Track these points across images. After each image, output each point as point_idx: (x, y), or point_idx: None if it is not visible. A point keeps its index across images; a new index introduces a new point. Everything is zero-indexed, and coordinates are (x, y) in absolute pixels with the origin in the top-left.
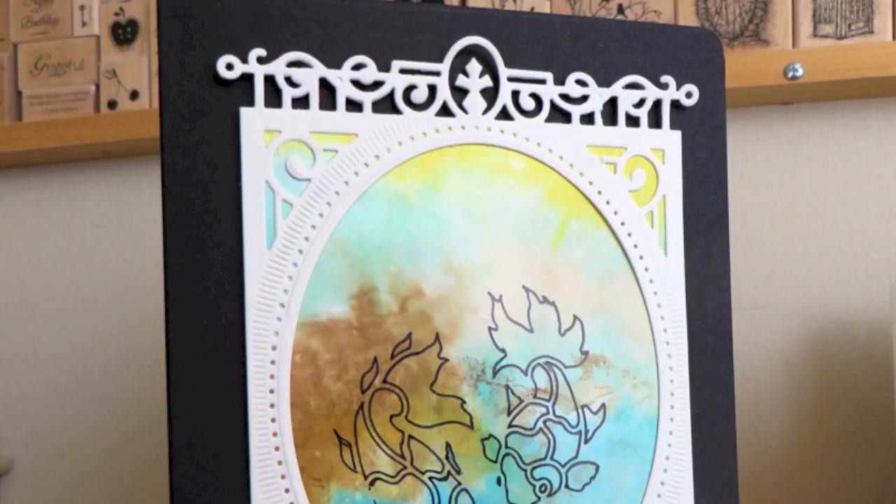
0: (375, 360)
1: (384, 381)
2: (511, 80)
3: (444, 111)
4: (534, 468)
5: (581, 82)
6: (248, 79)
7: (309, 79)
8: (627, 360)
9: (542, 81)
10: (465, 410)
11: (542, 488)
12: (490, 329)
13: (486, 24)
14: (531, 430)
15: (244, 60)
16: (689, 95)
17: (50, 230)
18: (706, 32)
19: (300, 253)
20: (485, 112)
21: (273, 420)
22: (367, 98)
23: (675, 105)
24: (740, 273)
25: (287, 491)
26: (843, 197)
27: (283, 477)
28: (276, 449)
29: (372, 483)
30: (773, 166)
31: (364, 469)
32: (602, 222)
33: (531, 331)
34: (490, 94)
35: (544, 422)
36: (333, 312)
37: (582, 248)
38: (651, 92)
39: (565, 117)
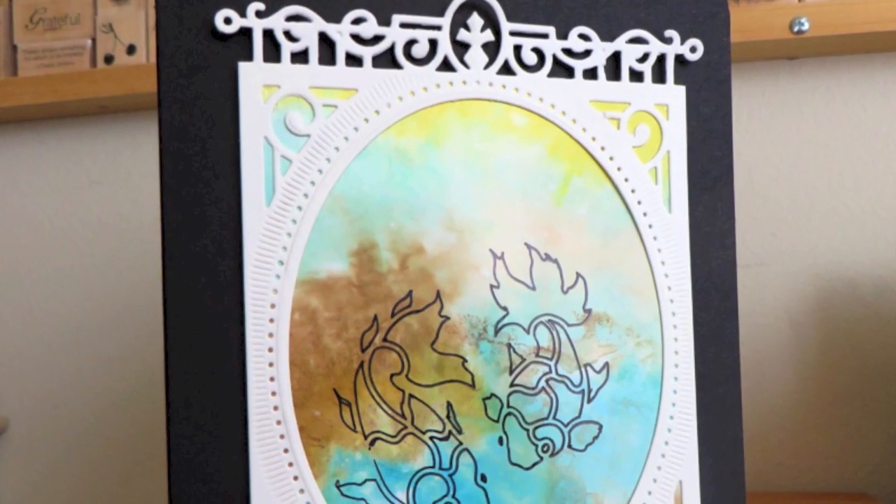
0: (375, 318)
1: (384, 339)
2: (513, 34)
3: (446, 66)
4: (536, 428)
5: (584, 37)
6: (246, 33)
7: (308, 33)
8: (631, 318)
9: (545, 36)
10: (466, 369)
11: (545, 448)
12: (492, 287)
13: None
14: (533, 389)
15: (242, 14)
16: (693, 50)
17: (46, 187)
18: None
19: (299, 210)
20: (486, 67)
21: (272, 379)
22: (367, 53)
23: (680, 60)
24: (745, 230)
25: (286, 451)
26: (849, 153)
27: (282, 437)
28: (275, 408)
29: (372, 443)
30: (779, 122)
31: (364, 429)
32: (605, 178)
33: (533, 288)
34: (492, 49)
35: (546, 381)
36: (333, 270)
37: (585, 204)
38: (655, 46)
39: (568, 72)
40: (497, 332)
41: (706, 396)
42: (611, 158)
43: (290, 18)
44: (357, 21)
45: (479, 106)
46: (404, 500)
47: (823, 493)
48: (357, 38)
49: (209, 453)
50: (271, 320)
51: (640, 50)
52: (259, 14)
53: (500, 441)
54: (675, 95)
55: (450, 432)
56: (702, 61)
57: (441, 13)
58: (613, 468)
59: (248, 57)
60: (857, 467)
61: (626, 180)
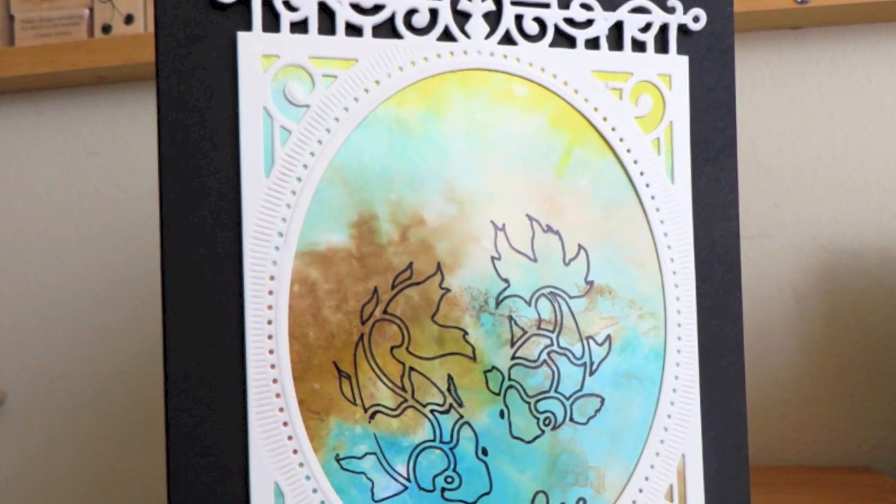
0: (375, 290)
1: (384, 311)
2: (514, 3)
3: (446, 36)
4: (537, 401)
5: (586, 6)
6: (245, 3)
7: (308, 2)
8: (633, 290)
9: (546, 5)
10: (467, 342)
11: (546, 421)
12: (493, 258)
13: None
14: (535, 361)
15: None
16: (696, 20)
17: (43, 157)
18: None
19: (299, 181)
20: (487, 37)
21: (271, 352)
22: (367, 22)
23: (682, 29)
24: (749, 201)
25: (285, 424)
26: (853, 124)
27: (281, 410)
28: (275, 381)
29: (372, 416)
30: (783, 92)
31: (364, 402)
32: (607, 149)
33: (535, 260)
34: (493, 19)
35: (548, 353)
36: (333, 241)
37: (587, 175)
38: (657, 16)
39: (570, 42)
40: (498, 304)
41: (709, 369)
42: (613, 129)
43: None
44: None
45: (480, 76)
46: (404, 474)
47: (827, 466)
48: (357, 7)
49: (208, 426)
50: (270, 292)
51: (642, 19)
52: None
53: (502, 414)
54: (677, 65)
55: (450, 405)
56: (705, 31)
57: None
58: (615, 442)
59: (247, 27)
60: (861, 441)
61: (629, 151)
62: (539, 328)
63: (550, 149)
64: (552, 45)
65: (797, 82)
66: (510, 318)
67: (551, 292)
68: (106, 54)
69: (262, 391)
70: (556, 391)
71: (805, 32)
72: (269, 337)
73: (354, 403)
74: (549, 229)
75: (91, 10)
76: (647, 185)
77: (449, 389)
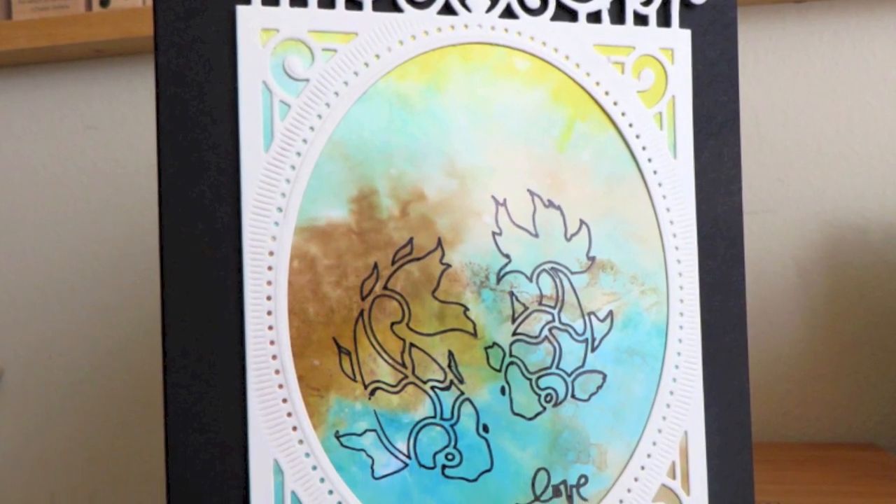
0: (376, 265)
1: (385, 287)
2: None
3: (447, 9)
4: (539, 377)
5: None
6: None
7: None
8: (635, 265)
9: None
10: (468, 318)
11: (548, 398)
12: (494, 234)
13: None
14: (536, 338)
15: None
16: None
17: (40, 132)
18: None
19: (298, 155)
20: (488, 10)
21: (270, 328)
22: None
23: (685, 3)
24: (752, 176)
25: (285, 401)
26: (857, 98)
27: (280, 386)
28: (274, 357)
29: (372, 393)
30: (786, 66)
31: (364, 378)
32: (609, 124)
33: (536, 235)
34: None
35: (550, 329)
36: (332, 216)
37: (588, 150)
38: None
39: (571, 15)
40: (499, 279)
41: (712, 345)
42: (615, 103)
43: None
44: None
45: (480, 50)
46: (405, 451)
47: (831, 443)
48: None
49: (206, 403)
50: (270, 268)
51: None
52: None
53: (503, 391)
54: (680, 39)
55: (451, 382)
56: (707, 4)
57: None
58: (618, 418)
59: (247, 0)
60: (865, 417)
61: (631, 125)
62: (540, 304)
63: (552, 123)
64: (553, 18)
65: (801, 56)
66: (511, 293)
67: (553, 268)
68: (104, 28)
69: (262, 367)
70: (557, 367)
71: (808, 6)
72: (269, 313)
73: (354, 380)
74: (551, 204)
75: None
76: (650, 160)
77: (449, 366)
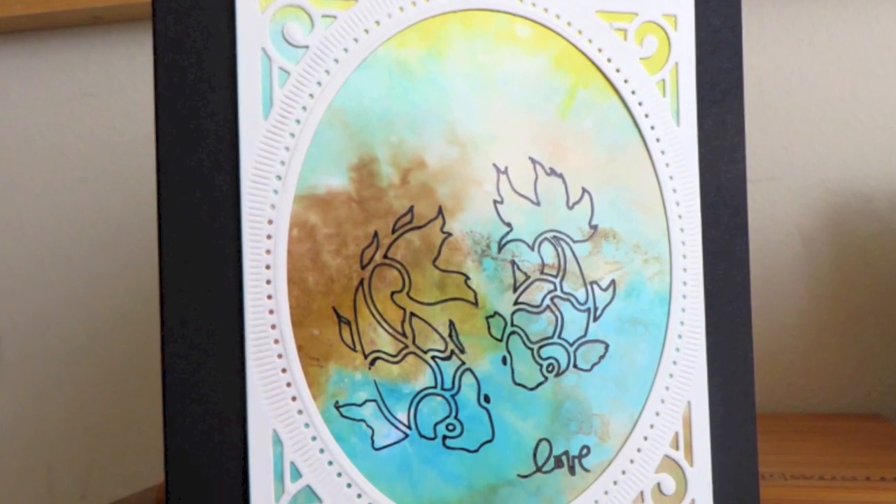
0: (376, 234)
1: (385, 256)
2: None
3: None
4: (541, 347)
5: None
6: None
7: None
8: (638, 234)
9: None
10: (469, 287)
11: (550, 368)
12: (495, 202)
13: None
14: (538, 307)
15: None
16: None
17: (37, 99)
18: None
19: (297, 123)
20: None
21: (269, 297)
22: None
23: None
24: (756, 144)
25: (284, 371)
26: (862, 65)
27: (279, 356)
28: (273, 327)
29: (372, 363)
30: (790, 33)
31: (364, 348)
32: (612, 91)
33: (538, 204)
34: None
35: (551, 299)
36: (332, 185)
37: (590, 117)
38: None
39: None
40: (501, 248)
41: (715, 315)
42: (617, 70)
43: None
44: None
45: (481, 16)
46: (405, 422)
47: (835, 413)
48: None
49: (205, 373)
50: (269, 237)
51: None
52: None
53: (504, 361)
54: (683, 6)
55: (452, 352)
56: None
57: None
58: (620, 388)
59: None
60: (870, 387)
61: (634, 93)
62: (542, 273)
63: (554, 90)
64: None
65: (805, 23)
66: (513, 262)
67: (554, 236)
68: None
69: (261, 337)
70: (559, 337)
71: None
72: (268, 282)
73: (354, 349)
74: (553, 172)
75: None
76: (652, 128)
77: (450, 335)
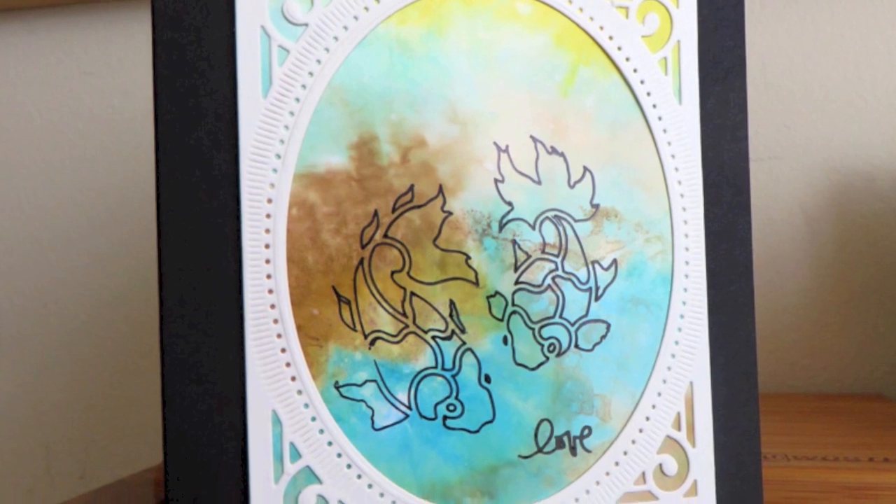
0: (376, 213)
1: (385, 235)
2: None
3: None
4: (542, 327)
5: None
6: None
7: None
8: (640, 213)
9: None
10: (469, 266)
11: (551, 348)
12: (496, 181)
13: None
14: (539, 286)
15: None
16: None
17: (35, 78)
18: None
19: (297, 101)
20: None
21: (269, 276)
22: None
23: None
24: (758, 122)
25: (283, 351)
26: (865, 43)
27: (279, 336)
28: (272, 307)
29: (372, 342)
30: (793, 10)
31: (364, 328)
32: (613, 69)
33: (539, 183)
34: None
35: (553, 278)
36: (332, 163)
37: (592, 95)
38: None
39: None
40: (501, 227)
41: (718, 294)
42: (619, 48)
43: None
44: None
45: None
46: (405, 402)
47: (839, 394)
48: None
49: (204, 353)
50: (268, 216)
51: None
52: None
53: (505, 340)
54: None
55: (452, 331)
56: None
57: None
58: (622, 369)
59: None
60: (873, 367)
61: (635, 71)
62: (543, 252)
63: (555, 68)
64: None
65: (807, 1)
66: (514, 241)
67: (556, 215)
68: None
69: (260, 317)
70: (560, 317)
71: None
72: (267, 261)
73: (354, 329)
74: (554, 151)
75: None
76: (654, 106)
77: (451, 315)
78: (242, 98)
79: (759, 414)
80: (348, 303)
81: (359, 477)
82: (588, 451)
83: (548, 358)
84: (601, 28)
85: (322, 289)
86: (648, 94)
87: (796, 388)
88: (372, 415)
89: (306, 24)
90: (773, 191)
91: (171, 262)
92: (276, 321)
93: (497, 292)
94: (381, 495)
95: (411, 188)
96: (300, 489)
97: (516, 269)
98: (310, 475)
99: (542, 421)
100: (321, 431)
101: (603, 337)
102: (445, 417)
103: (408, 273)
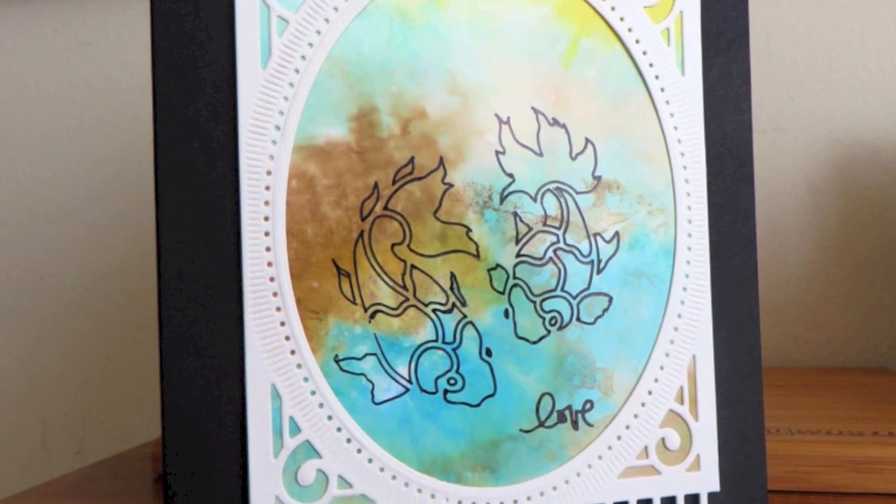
0: (376, 185)
1: (385, 207)
2: None
3: None
4: (543, 300)
5: None
6: None
7: None
8: (642, 185)
9: None
10: (470, 239)
11: (552, 321)
12: (497, 153)
13: None
14: (540, 259)
15: None
16: None
17: (32, 48)
18: None
19: (296, 72)
20: None
21: (268, 249)
22: None
23: None
24: (761, 94)
25: (283, 324)
26: (870, 13)
27: (278, 309)
28: (272, 280)
29: (372, 316)
30: None
31: (364, 301)
32: (615, 40)
33: (540, 154)
34: None
35: (554, 251)
36: (332, 135)
37: (594, 67)
38: None
39: None
40: (503, 199)
41: (721, 267)
42: (621, 19)
43: None
44: None
45: None
46: (406, 376)
47: (842, 367)
48: None
49: (202, 326)
50: (267, 188)
51: None
52: None
53: (506, 314)
54: None
55: (453, 304)
56: None
57: None
58: (624, 342)
59: None
60: (877, 341)
61: (637, 42)
62: (545, 225)
63: (556, 39)
64: None
65: None
66: (515, 214)
67: (557, 188)
68: None
69: (259, 290)
70: (562, 290)
71: None
72: (266, 234)
73: (354, 302)
74: (556, 122)
75: None
76: (657, 77)
77: (452, 288)
78: (241, 69)
79: (762, 388)
80: (348, 276)
81: (359, 451)
82: (590, 425)
83: (549, 331)
84: None
85: (322, 262)
86: (651, 65)
87: (800, 361)
88: (372, 389)
89: None
90: (776, 162)
91: (169, 235)
92: (275, 294)
93: (498, 265)
94: (381, 470)
95: (412, 160)
96: (300, 464)
97: (517, 241)
98: (309, 449)
99: (543, 395)
100: (321, 405)
101: (605, 310)
102: (446, 391)
103: (408, 246)
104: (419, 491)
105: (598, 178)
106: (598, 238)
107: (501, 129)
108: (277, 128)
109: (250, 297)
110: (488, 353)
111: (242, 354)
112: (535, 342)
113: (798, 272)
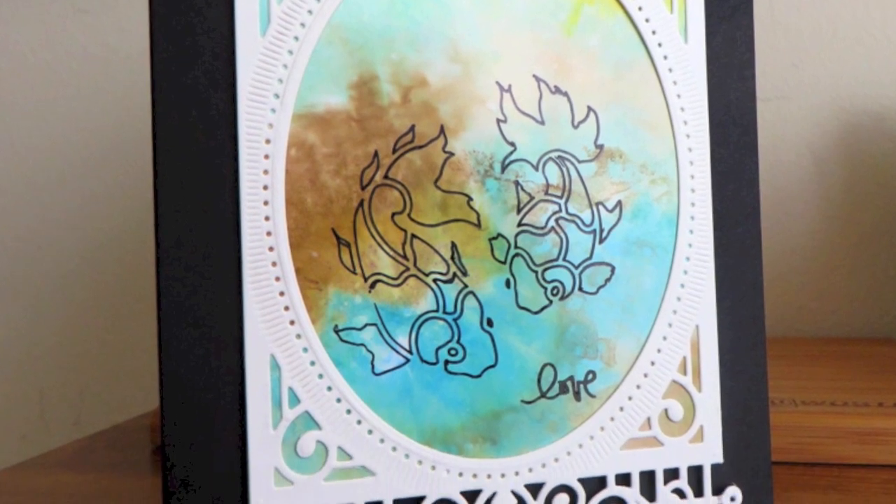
0: (376, 153)
1: (385, 176)
2: None
3: None
4: (545, 269)
5: None
6: None
7: None
8: (645, 154)
9: None
10: (471, 208)
11: (554, 291)
12: (498, 121)
13: None
14: (542, 228)
15: None
16: None
17: (28, 16)
18: None
19: (296, 40)
20: None
21: (267, 218)
22: None
23: None
24: (765, 61)
25: (282, 294)
26: None
27: (277, 279)
28: (271, 249)
29: (373, 285)
30: None
31: (364, 270)
32: (618, 7)
33: (542, 123)
34: None
35: (556, 220)
36: (331, 103)
37: (596, 34)
38: None
39: None
40: (504, 168)
41: (724, 237)
42: None
43: None
44: None
45: None
46: (406, 346)
47: (847, 337)
48: None
49: (201, 296)
50: (266, 156)
51: None
52: None
53: (508, 283)
54: None
55: (454, 274)
56: None
57: None
58: (627, 312)
59: None
60: (882, 311)
61: (640, 9)
62: (547, 194)
63: (558, 6)
64: None
65: None
66: (516, 182)
67: (559, 156)
68: None
69: (258, 259)
70: (564, 259)
71: None
72: (265, 203)
73: (354, 272)
74: (557, 90)
75: None
76: (660, 45)
77: (452, 258)
78: (240, 36)
79: (766, 358)
80: (348, 245)
81: (359, 422)
82: (592, 396)
83: (551, 301)
84: None
85: (321, 231)
86: (654, 32)
87: (804, 331)
88: (372, 359)
89: None
90: (780, 131)
91: (167, 204)
92: (274, 264)
93: (499, 234)
94: (382, 441)
95: (412, 128)
96: (299, 435)
97: (519, 210)
98: (309, 420)
99: (545, 365)
100: (320, 376)
101: (607, 280)
102: (447, 362)
103: (408, 215)
104: (420, 462)
105: (600, 147)
106: (601, 207)
107: (503, 97)
108: (276, 96)
109: (249, 267)
110: (489, 323)
111: (241, 324)
112: (536, 312)
113: (802, 241)
